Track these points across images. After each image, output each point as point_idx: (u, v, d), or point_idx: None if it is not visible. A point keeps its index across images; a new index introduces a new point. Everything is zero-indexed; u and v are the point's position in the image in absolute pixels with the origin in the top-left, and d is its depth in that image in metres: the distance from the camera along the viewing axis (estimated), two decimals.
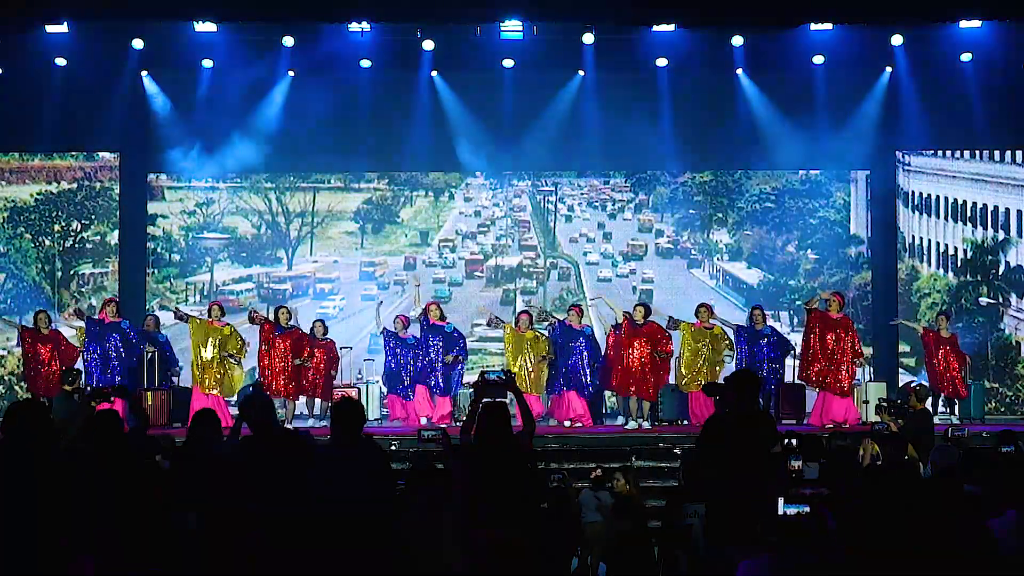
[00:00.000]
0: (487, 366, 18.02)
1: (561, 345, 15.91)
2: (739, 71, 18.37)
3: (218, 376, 15.73)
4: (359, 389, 16.50)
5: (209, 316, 16.04)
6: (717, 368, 15.89)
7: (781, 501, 6.25)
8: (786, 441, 8.83)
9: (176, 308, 16.83)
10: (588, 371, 15.81)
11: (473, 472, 7.29)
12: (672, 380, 16.11)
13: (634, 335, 15.60)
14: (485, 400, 7.62)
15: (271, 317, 15.99)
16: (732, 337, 16.02)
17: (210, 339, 15.77)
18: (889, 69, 18.35)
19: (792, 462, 7.31)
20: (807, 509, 6.14)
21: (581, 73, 18.42)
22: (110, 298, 16.54)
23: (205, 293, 18.64)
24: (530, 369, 15.90)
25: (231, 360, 15.85)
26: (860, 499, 6.87)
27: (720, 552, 7.43)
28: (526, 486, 7.31)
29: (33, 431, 6.49)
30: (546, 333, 16.19)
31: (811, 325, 15.69)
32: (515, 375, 9.11)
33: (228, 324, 16.10)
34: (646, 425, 15.54)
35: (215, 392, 15.66)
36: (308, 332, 16.04)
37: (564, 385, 15.84)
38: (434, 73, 18.45)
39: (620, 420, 15.79)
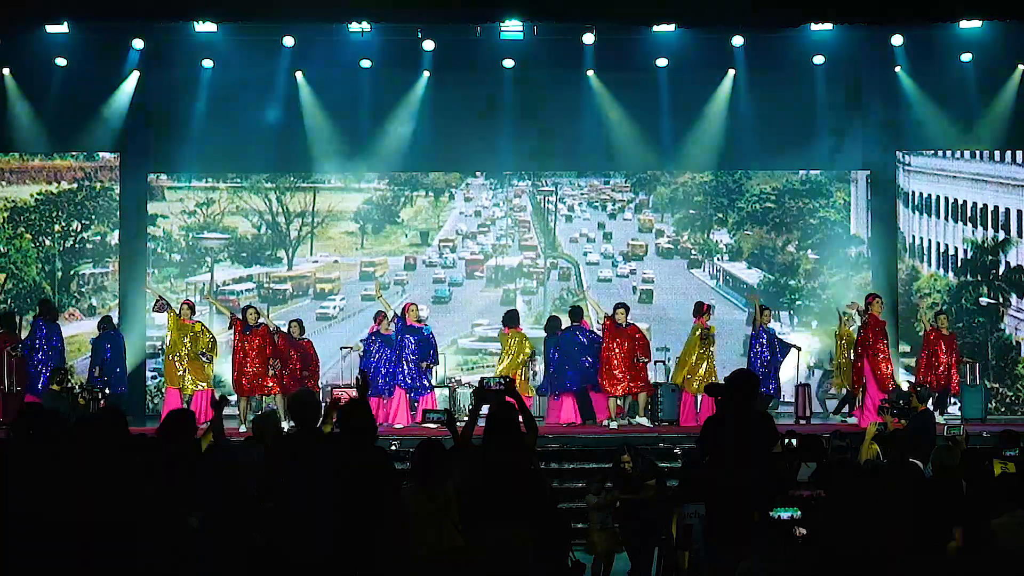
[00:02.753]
0: (486, 366, 18.04)
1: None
2: (738, 71, 18.37)
3: (192, 372, 15.99)
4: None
5: (179, 314, 16.17)
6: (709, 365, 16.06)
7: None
8: (786, 441, 8.82)
9: (160, 297, 16.80)
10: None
11: (478, 472, 7.30)
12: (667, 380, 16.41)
13: (616, 335, 15.78)
14: (494, 401, 7.64)
15: (240, 316, 16.20)
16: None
17: (184, 336, 16.03)
18: (889, 69, 18.34)
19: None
20: (798, 514, 6.15)
21: (581, 73, 18.41)
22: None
23: (205, 293, 18.61)
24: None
25: (203, 359, 16.07)
26: (856, 500, 6.88)
27: (720, 552, 7.43)
28: (529, 486, 7.32)
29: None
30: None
31: (876, 331, 15.86)
32: (514, 380, 9.14)
33: (198, 321, 16.43)
34: (645, 423, 15.63)
35: (201, 387, 15.94)
36: (286, 332, 16.19)
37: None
38: (435, 73, 18.43)
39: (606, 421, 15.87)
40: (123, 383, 16.82)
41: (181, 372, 15.94)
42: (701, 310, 16.34)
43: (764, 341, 16.34)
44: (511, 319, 16.36)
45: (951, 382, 16.40)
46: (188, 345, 16.01)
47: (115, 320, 17.63)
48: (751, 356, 16.40)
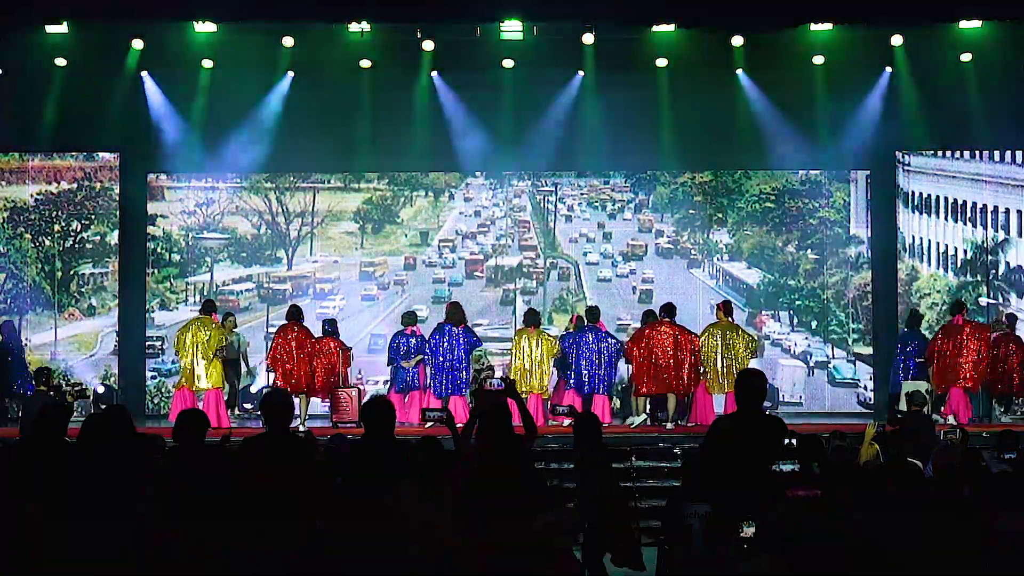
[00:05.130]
0: (486, 364, 18.03)
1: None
2: (739, 71, 18.38)
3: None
4: (359, 389, 16.51)
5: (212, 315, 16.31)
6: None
7: None
8: (786, 441, 8.82)
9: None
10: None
11: (474, 472, 7.30)
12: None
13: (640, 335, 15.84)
14: (487, 400, 7.65)
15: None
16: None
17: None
18: (889, 69, 18.35)
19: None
20: (798, 467, 6.18)
21: (581, 73, 18.41)
22: None
23: (205, 293, 18.62)
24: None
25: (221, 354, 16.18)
26: (855, 500, 6.88)
27: (720, 553, 7.43)
28: (526, 487, 7.32)
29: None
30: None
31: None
32: (514, 381, 9.08)
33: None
34: (668, 426, 15.60)
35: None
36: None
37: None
38: (434, 73, 18.46)
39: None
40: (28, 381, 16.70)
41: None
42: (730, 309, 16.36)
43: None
44: (532, 318, 16.38)
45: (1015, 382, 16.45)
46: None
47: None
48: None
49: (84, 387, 15.45)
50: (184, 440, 7.73)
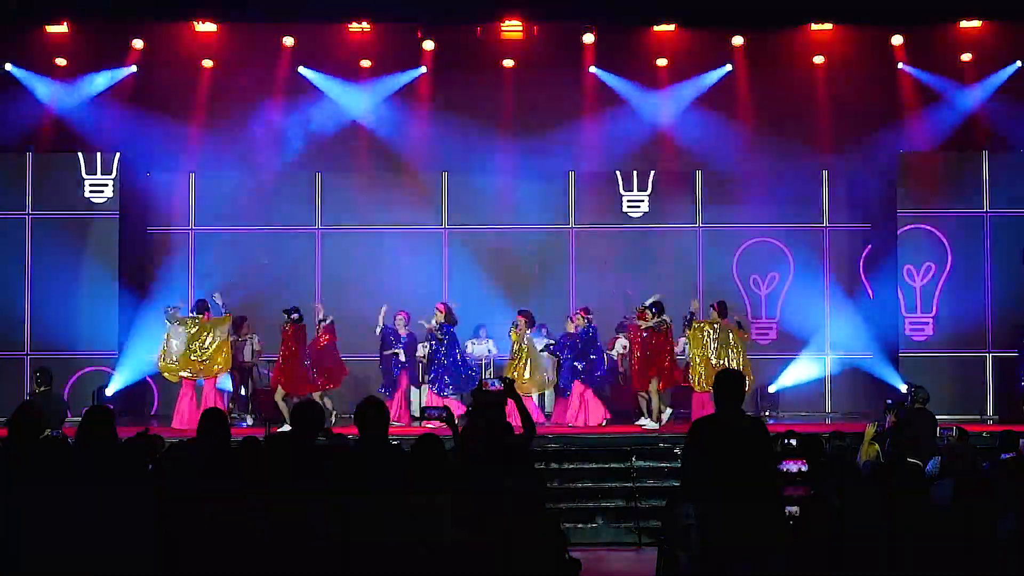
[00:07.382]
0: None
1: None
2: (738, 71, 18.39)
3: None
4: None
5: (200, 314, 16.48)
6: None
7: None
8: (786, 441, 8.81)
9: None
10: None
11: (473, 473, 7.31)
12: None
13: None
14: (481, 402, 7.66)
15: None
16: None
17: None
18: (889, 68, 18.36)
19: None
20: (796, 510, 6.18)
21: (588, 72, 18.43)
22: None
23: (203, 293, 18.57)
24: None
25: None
26: (853, 499, 6.89)
27: (719, 553, 7.42)
28: (523, 487, 7.32)
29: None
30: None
31: None
32: (513, 381, 9.07)
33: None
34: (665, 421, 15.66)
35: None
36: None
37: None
38: (433, 73, 18.46)
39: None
40: None
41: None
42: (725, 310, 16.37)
43: None
44: (530, 320, 16.41)
45: None
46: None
47: None
48: None
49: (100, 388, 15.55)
50: (207, 441, 7.64)
